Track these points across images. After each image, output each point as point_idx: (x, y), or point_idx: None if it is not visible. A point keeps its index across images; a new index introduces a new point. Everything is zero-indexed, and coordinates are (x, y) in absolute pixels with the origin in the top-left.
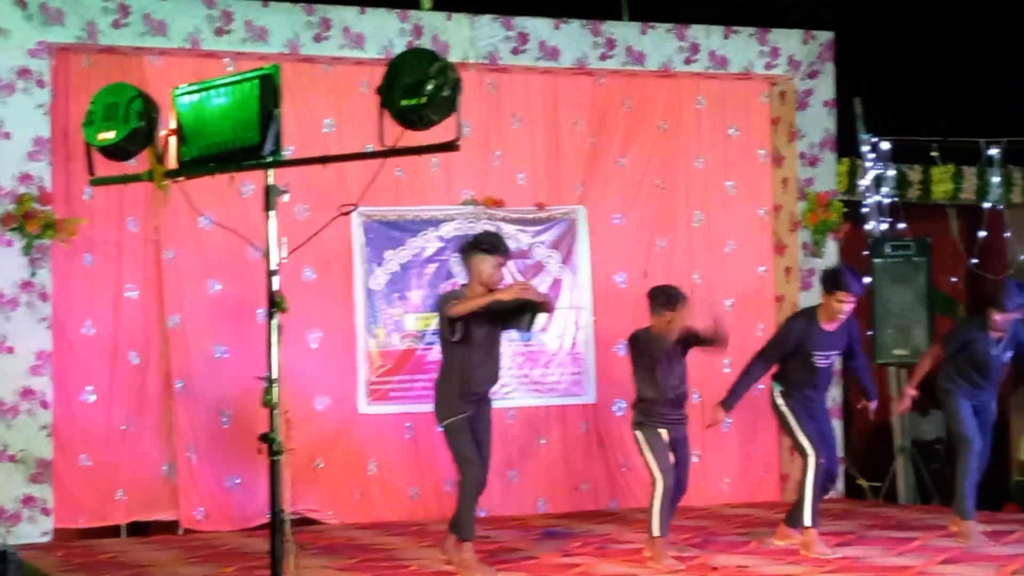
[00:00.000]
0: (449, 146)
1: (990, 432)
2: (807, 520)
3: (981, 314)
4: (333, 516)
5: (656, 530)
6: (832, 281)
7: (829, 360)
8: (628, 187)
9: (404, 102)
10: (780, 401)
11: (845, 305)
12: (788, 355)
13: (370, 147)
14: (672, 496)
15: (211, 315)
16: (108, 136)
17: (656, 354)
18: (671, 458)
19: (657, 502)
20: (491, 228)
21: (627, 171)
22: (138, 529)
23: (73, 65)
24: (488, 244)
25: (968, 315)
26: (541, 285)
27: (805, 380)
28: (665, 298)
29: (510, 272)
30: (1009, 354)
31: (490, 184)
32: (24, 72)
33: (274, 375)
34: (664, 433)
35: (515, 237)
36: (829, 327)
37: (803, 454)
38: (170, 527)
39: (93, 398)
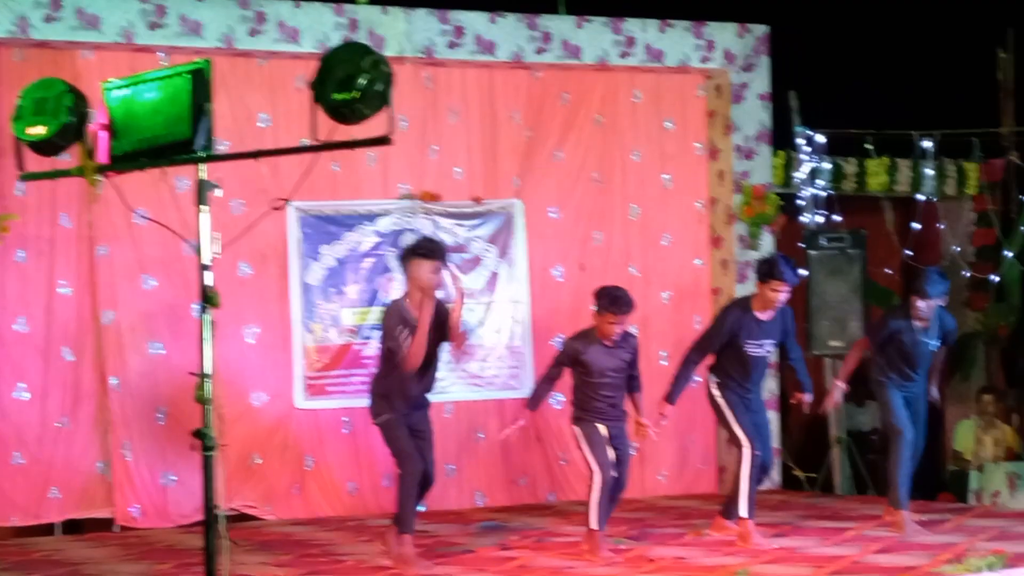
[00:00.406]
0: (382, 140)
1: (923, 422)
2: (743, 511)
3: (905, 303)
4: (270, 512)
5: (594, 523)
6: (767, 269)
7: (762, 350)
8: (565, 181)
9: (336, 96)
10: (716, 392)
11: (780, 294)
12: (724, 345)
13: (305, 142)
14: (611, 491)
15: (146, 311)
16: (38, 131)
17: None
18: (610, 453)
19: (595, 495)
20: (429, 232)
21: (564, 165)
22: (73, 527)
23: (4, 60)
24: (425, 249)
25: (892, 305)
26: (479, 279)
27: (740, 371)
28: (608, 300)
29: (449, 274)
30: (936, 342)
31: (427, 178)
32: None
33: (208, 371)
34: (602, 428)
35: (452, 231)
36: (763, 316)
37: (738, 445)
38: (105, 525)
39: (27, 396)
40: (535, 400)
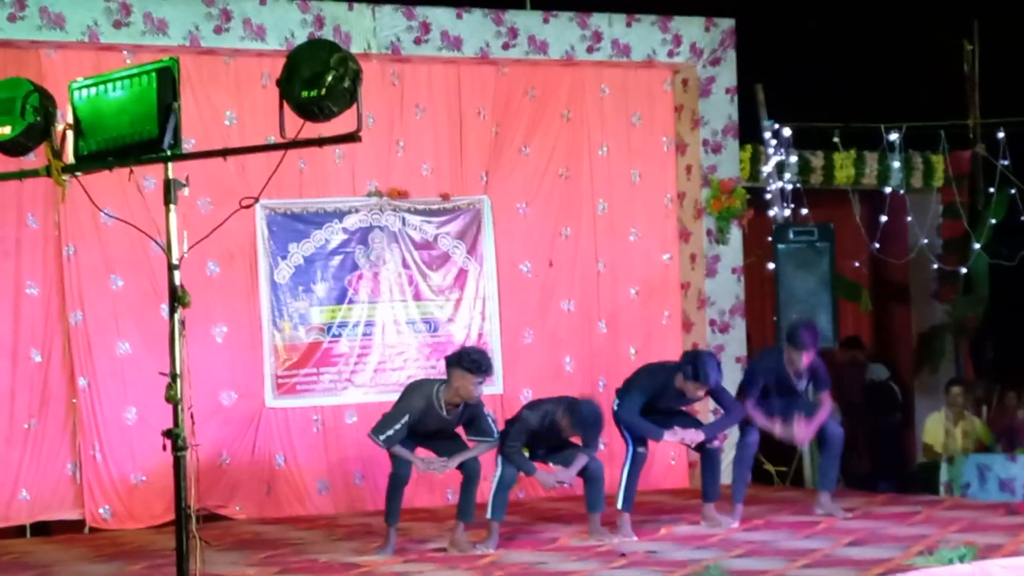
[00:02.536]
0: (351, 137)
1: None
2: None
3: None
4: (241, 511)
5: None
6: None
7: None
8: (532, 176)
9: (304, 94)
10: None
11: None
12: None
13: (272, 139)
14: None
15: (114, 311)
16: (4, 131)
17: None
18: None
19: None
20: (480, 348)
21: (531, 160)
22: (43, 529)
23: None
24: (472, 365)
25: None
26: (447, 276)
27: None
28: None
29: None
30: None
31: (394, 175)
32: None
33: (177, 370)
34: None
35: (420, 228)
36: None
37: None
38: (75, 526)
39: None
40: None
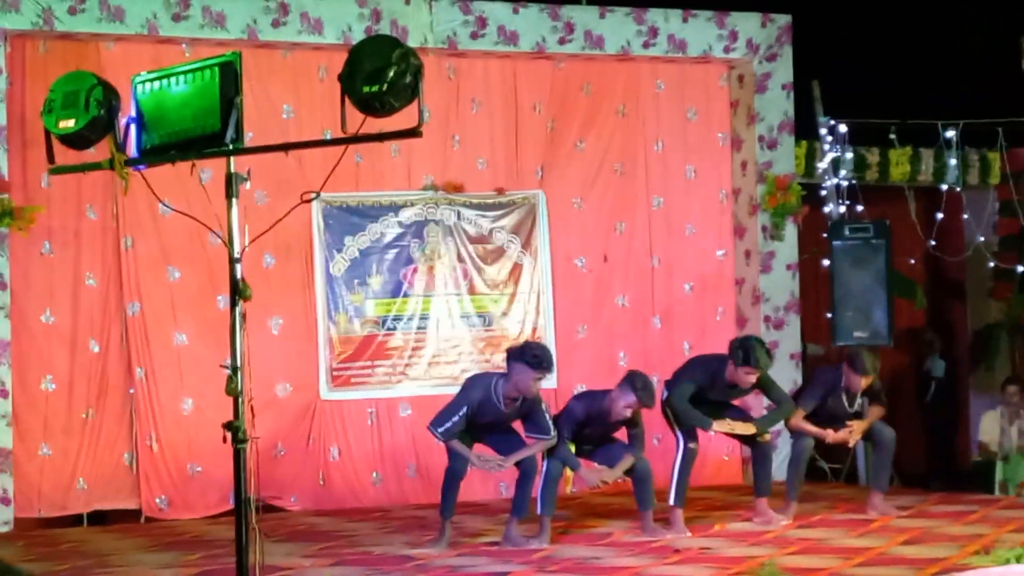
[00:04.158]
0: (412, 132)
1: None
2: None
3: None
4: (295, 503)
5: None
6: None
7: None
8: (587, 171)
9: (366, 89)
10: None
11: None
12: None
13: (328, 132)
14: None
15: (171, 303)
16: (68, 124)
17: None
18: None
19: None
20: (542, 344)
21: (586, 155)
22: (99, 518)
23: (29, 51)
24: (534, 360)
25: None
26: (502, 270)
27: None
28: (535, 359)
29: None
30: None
31: (450, 169)
32: None
33: (238, 363)
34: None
35: (475, 222)
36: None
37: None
38: (132, 516)
39: (53, 387)
40: None
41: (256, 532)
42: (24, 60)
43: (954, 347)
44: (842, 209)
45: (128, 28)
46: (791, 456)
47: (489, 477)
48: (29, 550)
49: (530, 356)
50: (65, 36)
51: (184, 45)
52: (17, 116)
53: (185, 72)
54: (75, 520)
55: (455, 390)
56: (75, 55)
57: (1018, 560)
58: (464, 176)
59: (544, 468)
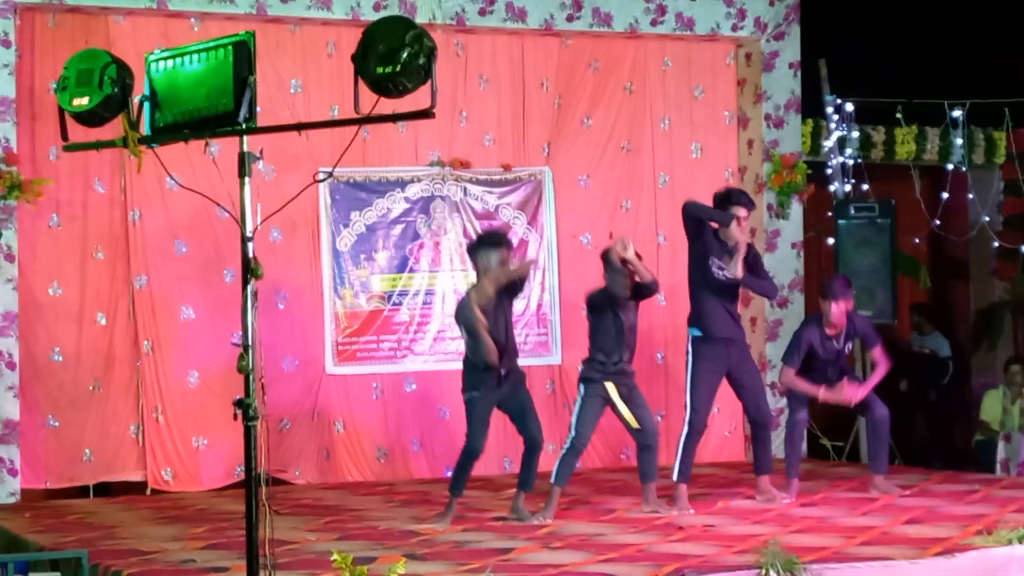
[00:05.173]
0: (425, 114)
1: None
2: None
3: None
4: (300, 476)
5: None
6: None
7: (724, 272)
8: (594, 148)
9: (379, 70)
10: (691, 350)
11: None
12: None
13: (336, 107)
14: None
15: (178, 276)
16: (82, 102)
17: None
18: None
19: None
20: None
21: (593, 132)
22: (105, 490)
23: (38, 25)
24: (491, 240)
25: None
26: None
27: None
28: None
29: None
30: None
31: (457, 145)
32: None
33: (249, 341)
34: (612, 388)
35: (481, 198)
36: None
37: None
38: (138, 488)
39: (60, 359)
40: None
41: (266, 508)
42: (33, 34)
43: (957, 326)
44: (847, 188)
45: (137, 2)
46: (786, 433)
47: (492, 452)
48: (35, 521)
49: (488, 239)
50: (74, 9)
51: (193, 20)
52: (26, 89)
53: (199, 51)
54: (81, 492)
55: (459, 365)
56: (84, 29)
57: (1020, 541)
58: (471, 152)
59: (570, 438)
